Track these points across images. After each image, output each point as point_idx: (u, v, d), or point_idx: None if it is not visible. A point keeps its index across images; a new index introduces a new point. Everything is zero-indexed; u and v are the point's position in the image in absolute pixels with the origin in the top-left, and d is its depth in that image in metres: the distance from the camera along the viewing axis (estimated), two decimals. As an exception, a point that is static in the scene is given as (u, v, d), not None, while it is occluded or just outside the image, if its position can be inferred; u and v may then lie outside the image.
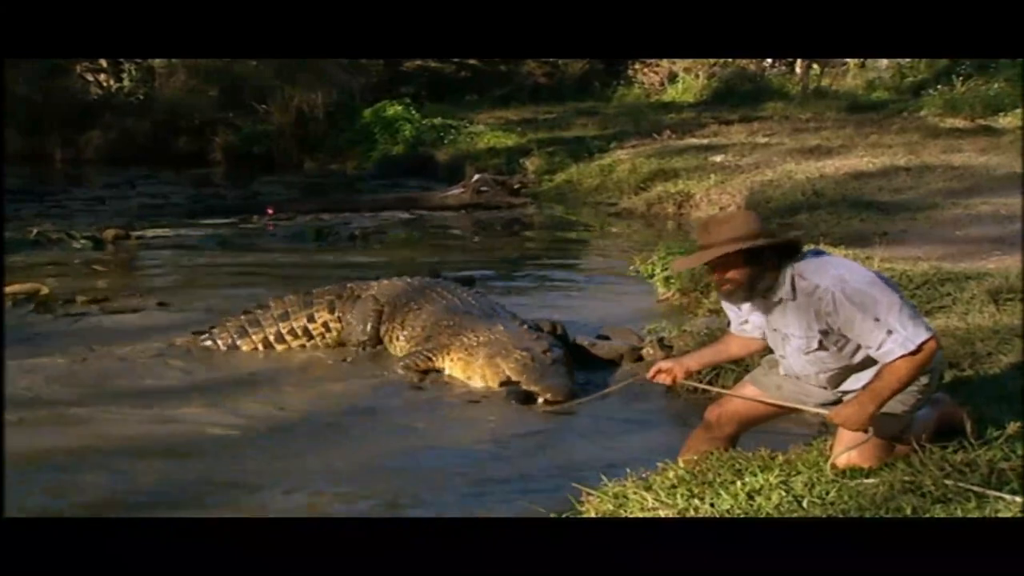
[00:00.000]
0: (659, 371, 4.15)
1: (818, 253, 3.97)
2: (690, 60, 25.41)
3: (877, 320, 3.59)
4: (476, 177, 15.22)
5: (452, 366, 6.56)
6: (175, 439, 5.35)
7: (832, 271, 3.76)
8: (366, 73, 23.00)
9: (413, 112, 20.59)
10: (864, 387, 3.68)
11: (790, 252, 3.86)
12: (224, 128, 21.44)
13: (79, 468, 4.83)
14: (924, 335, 3.60)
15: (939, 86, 19.57)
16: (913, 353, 3.55)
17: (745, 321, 4.11)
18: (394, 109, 20.49)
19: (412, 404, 6.10)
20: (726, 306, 4.17)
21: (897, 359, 3.57)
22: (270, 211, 13.81)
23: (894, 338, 3.57)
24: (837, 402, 3.85)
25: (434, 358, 6.62)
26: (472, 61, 24.85)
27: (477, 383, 6.36)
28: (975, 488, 3.40)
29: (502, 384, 6.19)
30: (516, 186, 15.68)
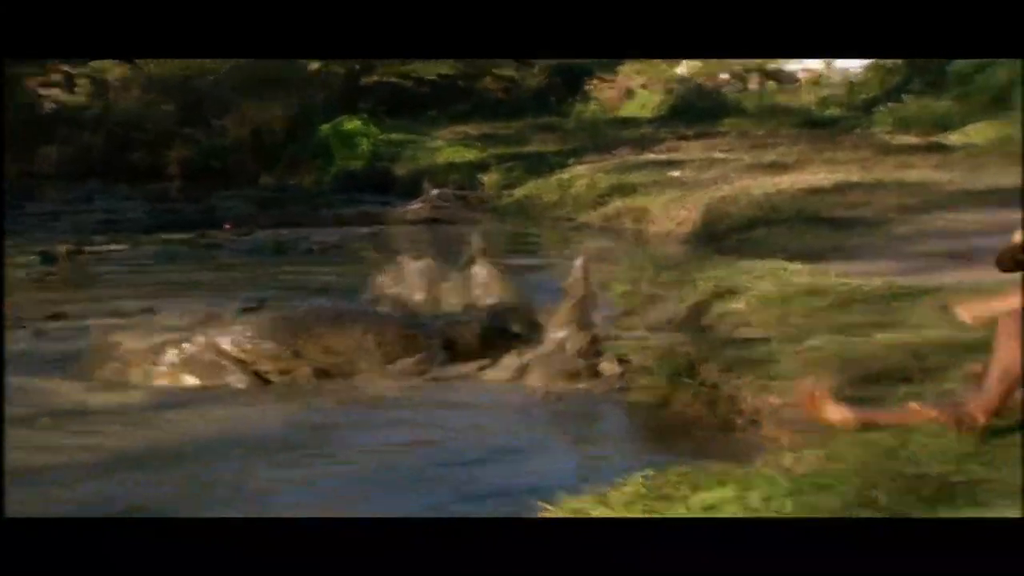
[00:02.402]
0: None
1: None
2: (647, 76, 25.60)
3: None
4: (435, 192, 15.28)
5: None
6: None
7: None
8: (325, 87, 22.98)
9: (372, 127, 20.58)
10: None
11: None
12: (181, 142, 21.32)
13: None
14: None
15: (889, 103, 19.86)
16: None
17: None
18: (353, 124, 20.47)
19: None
20: None
21: None
22: (228, 226, 13.77)
23: None
24: None
25: None
26: (432, 76, 24.87)
27: None
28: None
29: None
30: (475, 201, 15.75)
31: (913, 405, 4.27)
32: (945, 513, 3.40)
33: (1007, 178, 13.01)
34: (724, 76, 27.59)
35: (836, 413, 4.25)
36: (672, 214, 13.20)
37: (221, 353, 6.80)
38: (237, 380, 6.72)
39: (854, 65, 26.48)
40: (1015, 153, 15.01)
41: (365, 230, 14.25)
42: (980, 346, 5.67)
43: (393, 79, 24.90)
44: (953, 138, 17.30)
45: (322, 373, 6.79)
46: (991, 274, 7.85)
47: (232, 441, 5.66)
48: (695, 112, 23.55)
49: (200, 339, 6.83)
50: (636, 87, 26.09)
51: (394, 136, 20.45)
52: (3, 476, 3.88)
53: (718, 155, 17.01)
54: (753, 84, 25.96)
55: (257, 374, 6.78)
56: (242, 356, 6.80)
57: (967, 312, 4.58)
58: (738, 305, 7.41)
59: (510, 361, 6.97)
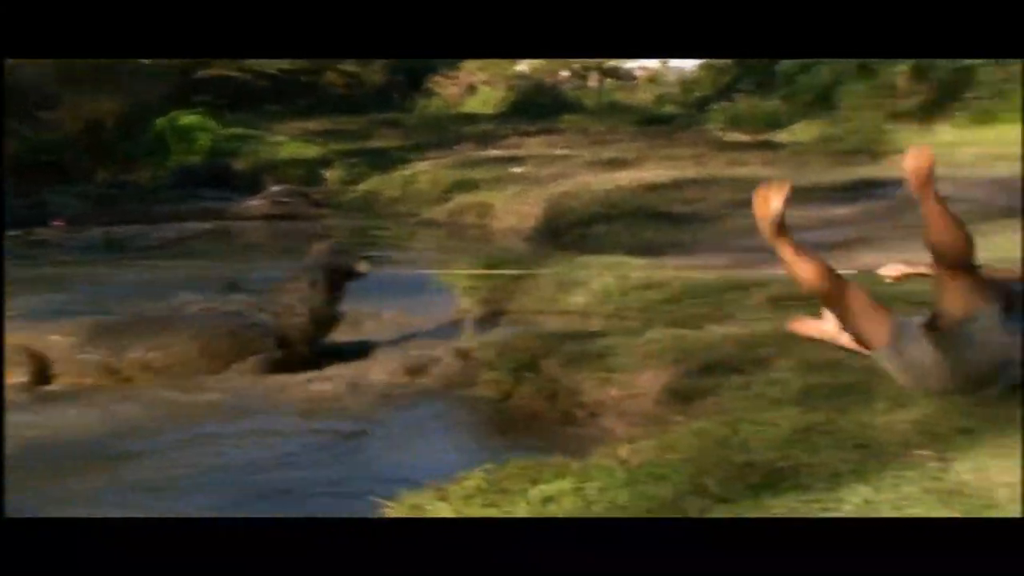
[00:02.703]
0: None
1: None
2: (488, 73, 25.81)
3: None
4: (276, 188, 15.07)
5: None
6: None
7: None
8: (162, 81, 22.32)
9: (210, 121, 20.12)
10: None
11: None
12: (8, 136, 20.36)
13: None
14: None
15: (722, 102, 20.54)
16: None
17: None
18: (189, 118, 19.97)
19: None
20: None
21: None
22: (57, 223, 13.26)
23: None
24: None
25: None
26: (272, 71, 24.47)
27: None
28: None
29: None
30: (317, 197, 15.60)
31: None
32: (768, 499, 3.55)
33: (830, 175, 13.66)
34: (564, 74, 28.04)
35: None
36: (515, 210, 13.34)
37: (33, 356, 6.55)
38: (54, 383, 6.50)
39: (689, 64, 27.29)
40: (837, 151, 15.77)
41: (205, 226, 13.94)
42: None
43: (231, 73, 24.41)
44: (781, 136, 18.03)
45: (151, 376, 6.61)
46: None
47: (43, 446, 5.45)
48: (536, 109, 23.89)
49: (16, 340, 6.54)
50: (478, 83, 26.27)
51: (234, 131, 20.04)
52: (3, 476, 3.86)
53: (559, 151, 17.30)
54: (592, 82, 26.43)
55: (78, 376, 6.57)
56: (60, 358, 6.58)
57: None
58: (578, 299, 7.55)
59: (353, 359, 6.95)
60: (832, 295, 4.65)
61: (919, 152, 4.46)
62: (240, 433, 5.72)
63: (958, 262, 4.36)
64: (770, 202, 4.63)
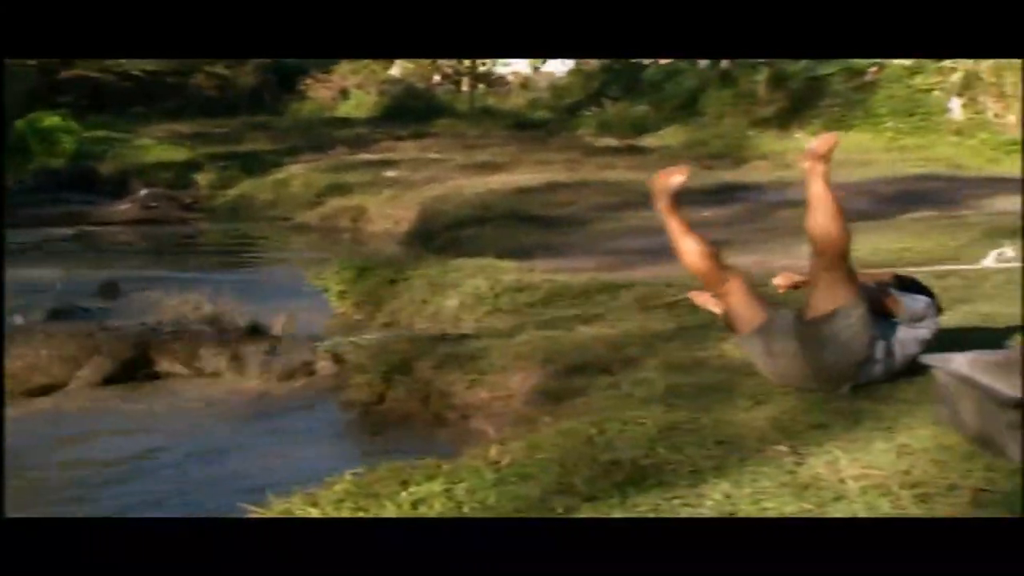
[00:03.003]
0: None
1: None
2: (361, 76, 25.67)
3: None
4: (144, 192, 14.74)
5: None
6: None
7: None
8: (20, 80, 21.53)
9: (73, 123, 19.50)
10: None
11: None
12: None
13: None
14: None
15: (592, 107, 20.85)
16: None
17: None
18: (51, 120, 19.30)
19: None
20: None
21: None
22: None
23: None
24: None
25: None
26: (136, 72, 23.86)
27: None
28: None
29: None
30: (187, 201, 15.30)
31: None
32: (634, 496, 3.65)
33: (696, 179, 13.97)
34: (436, 78, 28.06)
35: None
36: (388, 213, 13.32)
37: None
38: None
39: (559, 69, 27.59)
40: (704, 155, 16.17)
41: (68, 231, 13.54)
42: (673, 336, 6.14)
43: (94, 74, 23.72)
44: (649, 141, 18.41)
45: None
46: (681, 270, 8.46)
47: None
48: (409, 113, 23.84)
49: None
50: (351, 87, 26.09)
51: (99, 133, 19.48)
52: (3, 476, 3.81)
53: (432, 155, 17.34)
54: (465, 87, 26.52)
55: None
56: None
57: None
58: (451, 302, 7.60)
59: (225, 362, 6.87)
60: (711, 276, 4.87)
61: (825, 136, 4.89)
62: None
63: (835, 253, 4.57)
64: (670, 177, 4.93)
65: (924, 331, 4.80)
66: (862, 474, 3.74)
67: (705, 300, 5.18)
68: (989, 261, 7.11)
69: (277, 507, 3.72)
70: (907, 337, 4.73)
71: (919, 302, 4.89)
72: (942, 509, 3.47)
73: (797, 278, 5.08)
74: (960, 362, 4.20)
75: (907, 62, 18.13)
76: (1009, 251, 6.93)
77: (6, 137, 15.04)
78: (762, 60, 20.26)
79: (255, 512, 3.74)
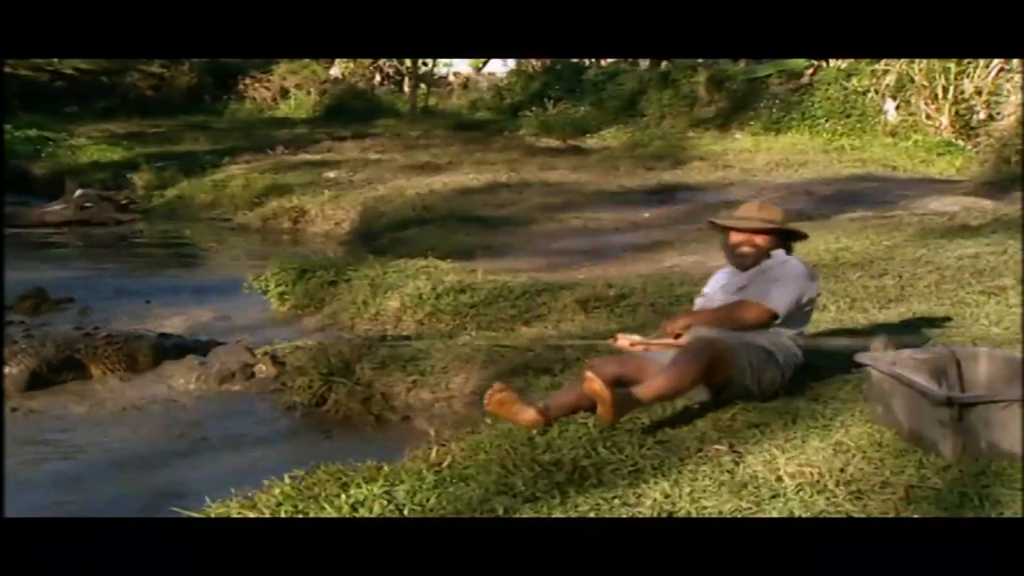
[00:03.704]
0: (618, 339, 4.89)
1: None
2: (301, 76, 25.49)
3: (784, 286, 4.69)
4: (79, 192, 14.48)
5: None
6: None
7: (795, 259, 4.95)
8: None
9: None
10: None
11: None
12: None
13: None
14: (777, 312, 4.67)
15: (533, 108, 20.89)
16: (765, 311, 4.65)
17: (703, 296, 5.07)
18: (-21, 119, 18.96)
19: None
20: (707, 286, 5.14)
21: (754, 304, 4.67)
22: None
23: (771, 296, 4.66)
24: None
25: None
26: (68, 70, 23.46)
27: None
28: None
29: None
30: (123, 201, 15.07)
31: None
32: (573, 496, 3.66)
33: (637, 179, 14.11)
34: (377, 79, 27.97)
35: (524, 413, 4.46)
36: (329, 214, 13.26)
37: None
38: None
39: (501, 70, 27.64)
40: (644, 156, 16.30)
41: (-1, 232, 13.27)
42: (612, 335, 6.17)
43: (24, 72, 23.28)
44: (590, 141, 18.50)
45: None
46: (622, 270, 8.53)
47: None
48: (350, 113, 23.72)
49: None
50: (291, 87, 25.90)
51: (31, 133, 19.14)
52: (3, 476, 3.80)
53: (373, 156, 17.28)
54: (406, 87, 26.45)
55: None
56: None
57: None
58: (391, 303, 7.58)
59: (162, 368, 6.79)
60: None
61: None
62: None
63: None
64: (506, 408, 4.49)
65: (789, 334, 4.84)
66: (798, 471, 3.79)
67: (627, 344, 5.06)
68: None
69: (214, 511, 3.68)
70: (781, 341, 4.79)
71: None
72: (876, 505, 3.53)
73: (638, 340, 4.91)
74: (893, 360, 4.28)
75: (842, 64, 18.41)
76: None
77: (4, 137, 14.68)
78: (702, 62, 20.47)
79: (192, 517, 3.70)
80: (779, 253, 4.94)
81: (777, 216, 5.03)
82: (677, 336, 4.70)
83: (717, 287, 5.07)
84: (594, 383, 4.20)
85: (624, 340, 4.84)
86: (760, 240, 4.91)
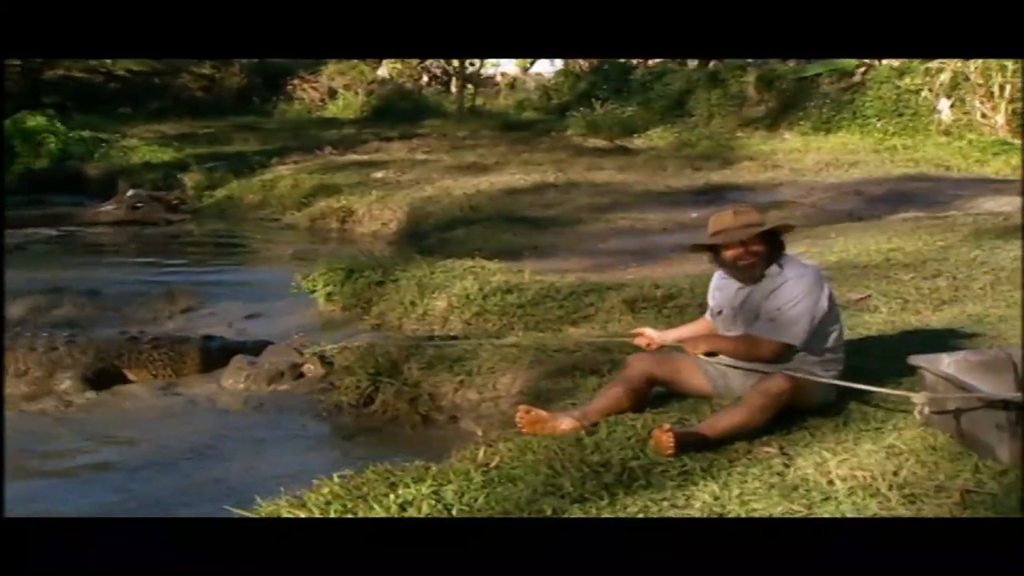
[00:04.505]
0: (641, 335, 5.00)
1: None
2: (349, 77, 25.62)
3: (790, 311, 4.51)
4: (130, 193, 14.66)
5: None
6: None
7: (799, 266, 4.72)
8: (6, 81, 21.45)
9: (58, 124, 19.42)
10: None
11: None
12: None
13: None
14: (794, 343, 4.51)
15: (581, 108, 20.81)
16: (781, 347, 4.51)
17: (719, 312, 4.89)
18: (36, 120, 19.23)
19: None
20: (711, 296, 4.99)
21: (766, 342, 4.53)
22: None
23: (781, 331, 4.51)
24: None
25: None
26: (121, 72, 23.75)
27: None
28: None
29: None
30: (174, 202, 15.23)
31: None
32: (622, 497, 3.64)
33: (684, 179, 14.03)
34: (425, 79, 28.05)
35: (561, 425, 4.46)
36: (376, 214, 13.29)
37: None
38: None
39: (548, 70, 27.60)
40: (691, 155, 16.20)
41: (52, 232, 13.48)
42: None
43: (79, 74, 23.61)
44: (637, 142, 18.41)
45: None
46: (669, 270, 8.46)
47: None
48: (397, 114, 23.79)
49: None
50: (339, 88, 26.03)
51: (85, 134, 19.39)
52: (3, 476, 3.83)
53: (420, 156, 17.31)
54: (453, 87, 26.48)
55: None
56: None
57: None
58: (439, 303, 7.58)
59: (211, 368, 6.86)
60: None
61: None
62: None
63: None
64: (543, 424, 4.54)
65: None
66: (850, 475, 3.74)
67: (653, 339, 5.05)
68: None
69: (264, 510, 3.70)
70: None
71: None
72: (930, 510, 3.47)
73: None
74: (947, 363, 4.21)
75: (895, 63, 18.17)
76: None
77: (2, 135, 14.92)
78: (751, 61, 20.30)
79: (243, 514, 3.72)
80: (773, 269, 4.68)
81: (756, 217, 4.81)
82: None
83: (724, 300, 4.87)
84: (660, 437, 4.13)
85: (643, 339, 5.00)
86: (756, 247, 4.67)
